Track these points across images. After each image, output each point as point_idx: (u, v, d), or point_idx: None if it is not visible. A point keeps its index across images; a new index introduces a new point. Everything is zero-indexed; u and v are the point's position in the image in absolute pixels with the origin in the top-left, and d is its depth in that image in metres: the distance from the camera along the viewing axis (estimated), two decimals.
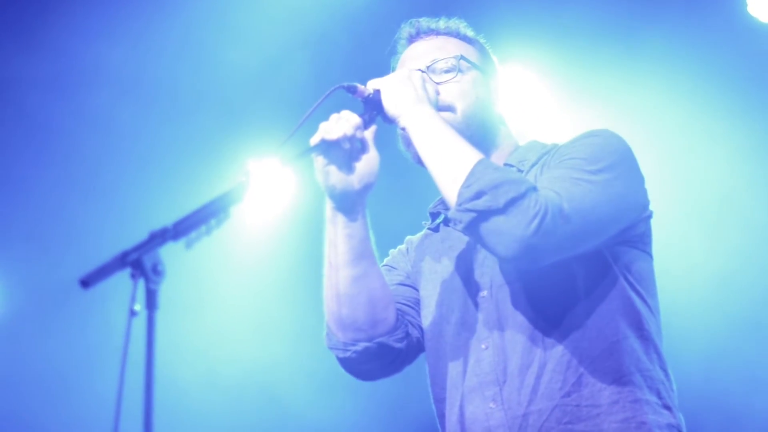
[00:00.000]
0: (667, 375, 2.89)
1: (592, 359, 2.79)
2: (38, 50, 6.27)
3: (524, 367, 2.80)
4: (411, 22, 3.21)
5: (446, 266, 3.07)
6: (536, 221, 2.60)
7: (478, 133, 3.04)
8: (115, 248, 2.25)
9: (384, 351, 3.04)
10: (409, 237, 3.34)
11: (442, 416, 3.01)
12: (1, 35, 6.28)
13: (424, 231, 3.28)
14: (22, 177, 6.48)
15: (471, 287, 2.97)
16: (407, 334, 3.08)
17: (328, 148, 2.85)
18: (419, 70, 3.05)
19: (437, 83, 3.05)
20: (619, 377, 2.78)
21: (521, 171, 3.01)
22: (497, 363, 2.84)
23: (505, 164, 3.06)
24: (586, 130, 2.99)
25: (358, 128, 2.87)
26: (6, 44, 6.27)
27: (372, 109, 2.91)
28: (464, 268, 3.01)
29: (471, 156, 2.73)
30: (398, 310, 3.09)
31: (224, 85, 6.52)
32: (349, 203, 2.94)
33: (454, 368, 2.95)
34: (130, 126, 6.45)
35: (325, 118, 2.86)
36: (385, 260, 3.30)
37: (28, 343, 6.54)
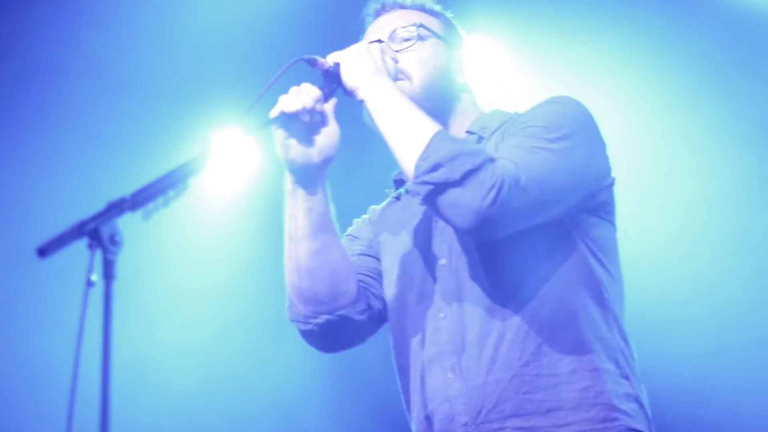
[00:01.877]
0: (627, 343, 2.91)
1: (551, 328, 2.81)
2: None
3: (483, 337, 2.82)
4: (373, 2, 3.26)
5: (406, 235, 3.08)
6: (492, 193, 2.61)
7: (437, 102, 3.06)
8: (74, 218, 2.24)
9: (345, 323, 3.05)
10: (372, 207, 3.35)
11: (405, 388, 3.03)
12: None
13: (388, 199, 3.29)
14: None
15: (430, 256, 2.98)
16: (369, 306, 3.10)
17: (287, 120, 2.84)
18: (379, 40, 3.08)
19: (396, 51, 3.08)
20: (578, 346, 2.80)
21: (482, 138, 3.04)
22: (455, 333, 2.86)
23: (467, 132, 3.08)
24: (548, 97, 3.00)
25: (317, 101, 2.87)
26: None
27: (332, 81, 2.91)
28: (423, 236, 3.02)
29: (428, 128, 2.74)
30: (360, 281, 3.10)
31: (186, 54, 6.46)
32: (309, 177, 2.94)
33: (415, 338, 2.97)
34: (88, 94, 6.39)
35: (285, 91, 2.86)
36: (349, 230, 3.31)
37: None
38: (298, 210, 2.97)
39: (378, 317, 3.14)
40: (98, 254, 2.20)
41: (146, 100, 6.47)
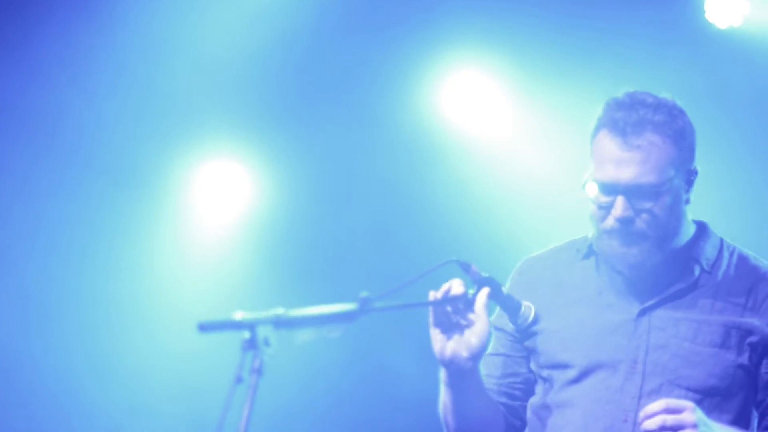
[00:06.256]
0: None
1: None
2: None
3: None
4: (623, 105, 3.00)
5: (598, 321, 3.10)
6: None
7: (667, 245, 3.03)
8: None
9: None
10: (530, 259, 3.33)
11: None
12: None
13: (553, 248, 3.30)
14: None
15: (623, 353, 3.06)
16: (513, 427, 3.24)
17: (437, 314, 2.99)
18: (619, 193, 2.96)
19: (634, 207, 2.96)
20: None
21: (707, 272, 3.08)
22: None
23: (693, 259, 3.10)
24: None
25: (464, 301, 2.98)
26: None
27: (483, 287, 2.99)
28: (621, 331, 3.07)
29: None
30: (503, 403, 3.23)
31: (173, 87, 6.46)
32: (459, 371, 3.04)
33: (579, 419, 3.06)
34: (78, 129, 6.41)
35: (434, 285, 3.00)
36: (492, 318, 3.16)
37: None
38: (448, 392, 3.11)
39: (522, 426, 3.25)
40: (249, 354, 2.44)
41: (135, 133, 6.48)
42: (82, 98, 6.30)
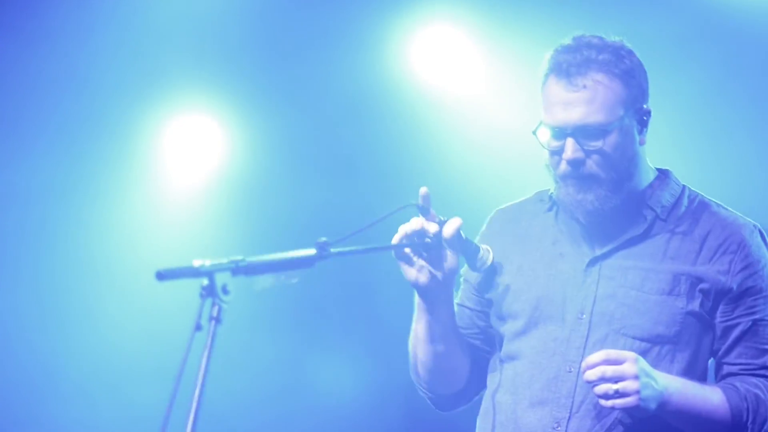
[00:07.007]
0: None
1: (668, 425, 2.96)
2: None
3: (603, 414, 2.95)
4: (568, 48, 3.01)
5: (550, 272, 3.12)
6: None
7: (622, 188, 3.02)
8: None
9: (459, 400, 3.29)
10: (499, 210, 3.35)
11: (486, 414, 3.17)
12: None
13: (522, 200, 3.31)
14: None
15: (572, 303, 3.07)
16: (478, 378, 3.25)
17: (404, 251, 3.03)
18: (568, 135, 2.97)
19: (584, 147, 2.97)
20: None
21: (661, 219, 3.06)
22: (577, 394, 2.99)
23: (646, 206, 3.08)
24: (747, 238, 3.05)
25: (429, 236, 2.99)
26: None
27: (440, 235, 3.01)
28: (571, 281, 3.08)
29: (715, 404, 2.97)
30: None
31: (140, 42, 6.39)
32: (429, 296, 3.08)
33: (526, 371, 3.08)
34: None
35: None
36: (462, 270, 3.28)
37: None
38: (421, 317, 3.14)
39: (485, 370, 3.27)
40: (208, 301, 2.44)
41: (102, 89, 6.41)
42: (54, 51, 6.26)
